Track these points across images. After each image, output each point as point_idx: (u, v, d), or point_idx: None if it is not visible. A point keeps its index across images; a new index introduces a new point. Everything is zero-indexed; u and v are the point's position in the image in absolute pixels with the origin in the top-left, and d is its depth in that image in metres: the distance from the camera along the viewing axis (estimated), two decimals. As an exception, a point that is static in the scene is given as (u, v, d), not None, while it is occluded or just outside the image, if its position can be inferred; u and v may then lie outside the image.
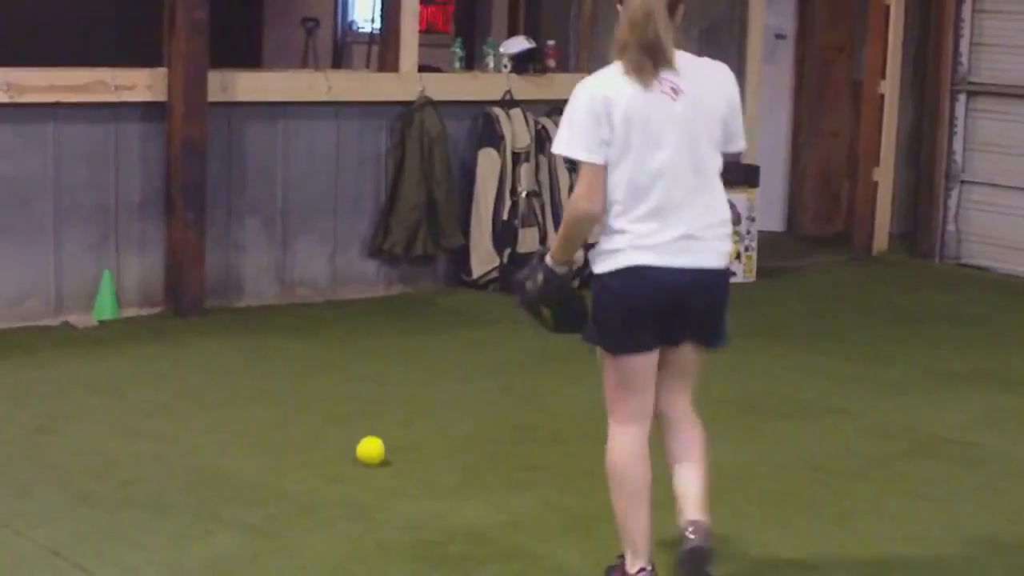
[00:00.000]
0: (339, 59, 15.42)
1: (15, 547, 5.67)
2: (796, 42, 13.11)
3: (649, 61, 5.04)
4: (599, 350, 5.23)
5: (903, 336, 9.76)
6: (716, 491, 6.51)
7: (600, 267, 5.14)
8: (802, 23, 13.10)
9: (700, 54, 5.24)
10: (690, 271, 5.10)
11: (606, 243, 5.14)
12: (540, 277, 5.29)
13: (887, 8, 12.28)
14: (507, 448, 7.09)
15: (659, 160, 5.06)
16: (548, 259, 5.27)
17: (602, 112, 5.03)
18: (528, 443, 7.17)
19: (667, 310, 5.14)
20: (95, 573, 5.43)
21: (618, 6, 5.22)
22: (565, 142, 5.14)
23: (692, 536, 5.17)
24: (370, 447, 6.71)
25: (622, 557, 5.31)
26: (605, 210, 5.09)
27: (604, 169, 5.06)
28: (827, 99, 13.05)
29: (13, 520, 5.90)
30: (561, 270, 5.26)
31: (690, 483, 5.31)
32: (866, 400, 8.14)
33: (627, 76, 5.05)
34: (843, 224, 12.94)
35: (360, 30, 15.46)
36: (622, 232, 5.09)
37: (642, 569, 5.19)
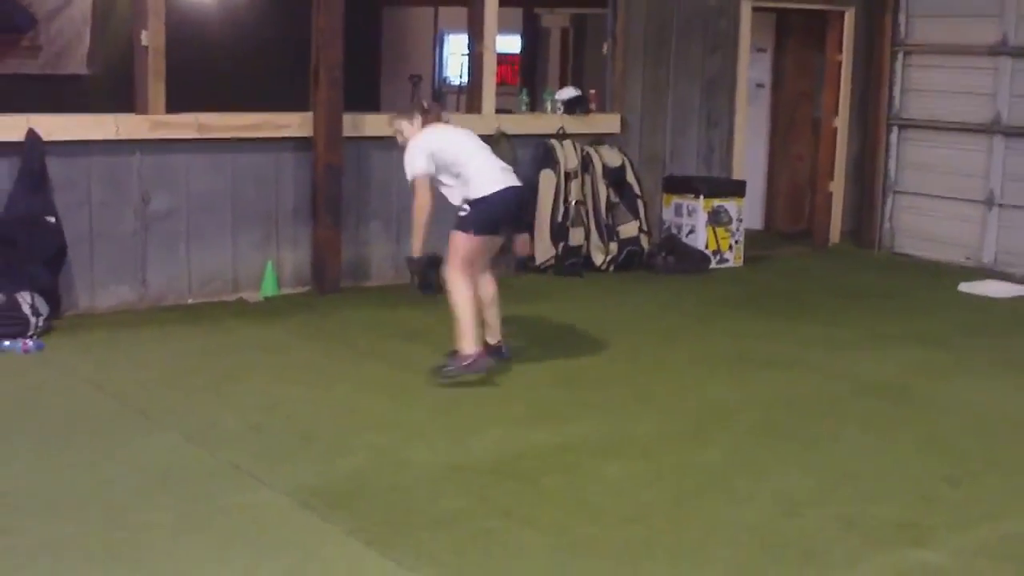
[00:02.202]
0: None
1: (207, 462, 5.70)
2: (771, 90, 12.98)
3: (440, 119, 7.37)
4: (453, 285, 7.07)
5: (852, 307, 9.64)
6: (715, 422, 6.54)
7: (476, 195, 7.02)
8: (776, 76, 12.97)
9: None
10: (515, 187, 7.22)
11: (474, 192, 7.03)
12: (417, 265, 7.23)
13: (839, 64, 12.16)
14: (562, 390, 7.06)
15: (473, 150, 7.23)
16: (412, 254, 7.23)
17: (434, 148, 7.10)
18: (577, 386, 7.13)
19: (510, 209, 7.23)
20: (267, 482, 5.46)
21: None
22: (414, 170, 7.08)
23: (501, 345, 7.45)
24: None
25: (455, 352, 7.08)
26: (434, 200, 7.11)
27: (430, 178, 7.07)
28: (794, 132, 12.92)
29: (205, 443, 5.94)
30: (418, 257, 7.18)
31: (495, 318, 7.42)
32: (824, 355, 8.04)
33: (438, 127, 7.26)
34: (806, 223, 12.80)
35: (451, 83, 15.41)
36: (477, 183, 7.04)
37: (479, 350, 7.01)
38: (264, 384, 6.96)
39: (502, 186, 7.12)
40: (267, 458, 5.76)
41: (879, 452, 6.15)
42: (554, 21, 13.76)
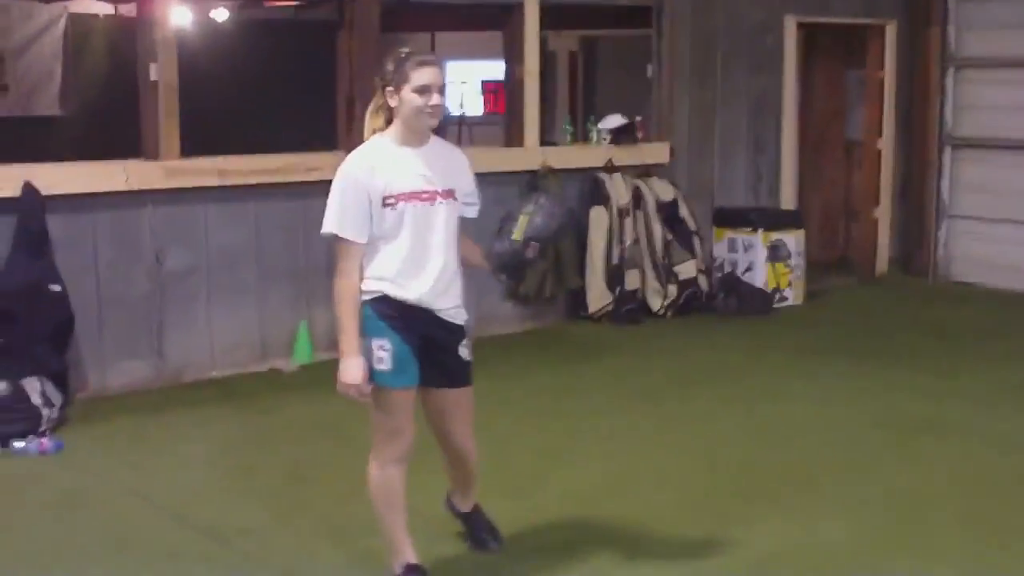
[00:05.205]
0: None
1: None
2: (799, 110, 11.60)
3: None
4: None
5: (952, 349, 8.27)
6: (916, 519, 5.15)
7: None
8: (803, 94, 11.64)
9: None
10: None
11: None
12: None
13: (881, 81, 10.92)
14: (700, 475, 5.68)
15: None
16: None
17: None
18: (715, 470, 5.77)
19: None
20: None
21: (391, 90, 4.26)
22: None
23: None
24: None
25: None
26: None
27: None
28: (825, 155, 11.63)
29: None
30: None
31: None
32: (977, 415, 6.62)
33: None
34: (841, 251, 11.54)
35: (449, 115, 13.80)
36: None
37: None
38: (345, 487, 5.44)
39: None
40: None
41: None
42: (561, 44, 12.39)
